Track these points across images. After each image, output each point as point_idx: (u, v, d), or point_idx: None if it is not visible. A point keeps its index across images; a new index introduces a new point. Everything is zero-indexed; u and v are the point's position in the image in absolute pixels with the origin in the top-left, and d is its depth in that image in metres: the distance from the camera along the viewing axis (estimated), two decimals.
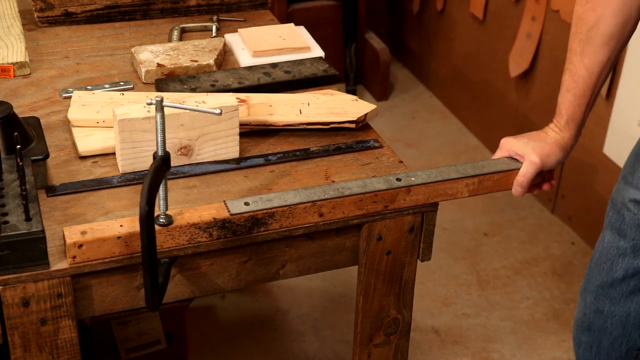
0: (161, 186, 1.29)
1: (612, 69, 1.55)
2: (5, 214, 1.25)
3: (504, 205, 3.00)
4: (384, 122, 3.42)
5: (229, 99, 1.49)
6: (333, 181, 1.47)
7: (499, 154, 1.56)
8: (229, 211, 1.33)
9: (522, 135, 1.56)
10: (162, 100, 1.26)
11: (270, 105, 1.59)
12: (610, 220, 1.68)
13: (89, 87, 1.70)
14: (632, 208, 1.63)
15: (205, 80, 1.70)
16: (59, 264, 1.27)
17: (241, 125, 1.51)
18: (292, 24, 1.95)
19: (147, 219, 1.20)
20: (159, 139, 1.27)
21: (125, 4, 1.96)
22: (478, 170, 1.49)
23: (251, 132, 1.58)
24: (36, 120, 1.48)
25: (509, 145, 1.54)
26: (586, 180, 2.76)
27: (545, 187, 1.59)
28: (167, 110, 1.35)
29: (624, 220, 1.65)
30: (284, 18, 3.30)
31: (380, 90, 3.58)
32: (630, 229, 1.65)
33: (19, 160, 1.27)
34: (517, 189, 1.54)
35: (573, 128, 1.55)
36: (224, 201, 1.35)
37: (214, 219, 1.32)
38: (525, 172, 1.52)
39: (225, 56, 1.85)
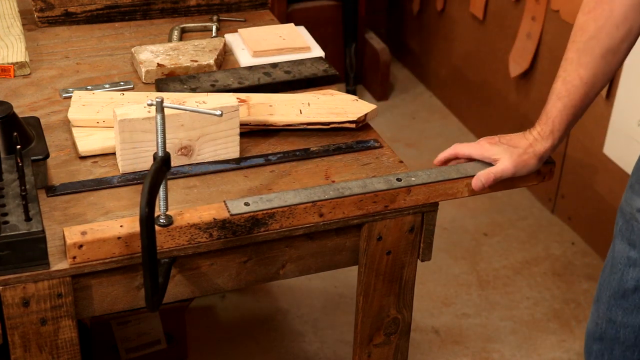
0: (161, 186, 1.29)
1: (607, 83, 1.52)
2: (5, 214, 1.25)
3: (504, 205, 3.00)
4: (384, 122, 3.42)
5: (229, 99, 1.49)
6: (333, 181, 1.47)
7: (472, 149, 1.50)
8: (229, 211, 1.33)
9: (500, 141, 1.51)
10: (162, 101, 1.26)
11: (270, 105, 1.59)
12: (620, 229, 1.66)
13: (89, 87, 1.70)
14: (638, 217, 1.61)
15: (205, 80, 1.71)
16: (59, 264, 1.27)
17: (241, 125, 1.51)
18: (292, 24, 1.95)
19: (148, 220, 1.20)
20: (159, 140, 1.27)
21: (125, 4, 1.96)
22: (478, 170, 1.49)
23: (251, 132, 1.57)
24: (36, 120, 1.48)
25: (484, 150, 1.50)
26: (586, 180, 2.77)
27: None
28: (167, 111, 1.35)
29: (633, 230, 1.62)
30: (284, 18, 3.30)
31: (380, 90, 3.58)
32: (639, 239, 1.63)
33: (19, 160, 1.26)
34: (479, 182, 1.48)
35: (557, 138, 1.50)
36: (224, 201, 1.35)
37: (214, 219, 1.32)
38: (497, 172, 1.48)
39: (225, 56, 1.85)
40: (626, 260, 1.64)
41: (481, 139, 1.52)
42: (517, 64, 2.98)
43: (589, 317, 1.78)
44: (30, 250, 1.23)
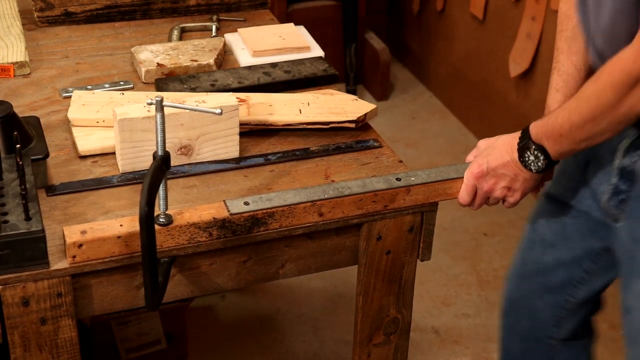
0: (161, 186, 1.29)
1: None
2: (5, 214, 1.25)
3: None
4: (384, 122, 3.42)
5: (229, 98, 1.49)
6: (333, 181, 1.47)
7: (475, 153, 1.51)
8: (228, 211, 1.33)
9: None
10: (162, 100, 1.26)
11: (270, 105, 1.59)
12: (534, 213, 1.74)
13: (89, 87, 1.70)
14: (544, 203, 1.71)
15: (205, 80, 1.71)
16: (59, 264, 1.27)
17: (241, 125, 1.51)
18: (292, 24, 1.95)
19: (147, 219, 1.20)
20: (159, 139, 1.27)
21: (125, 4, 1.96)
22: None
23: (251, 131, 1.58)
24: (36, 119, 1.49)
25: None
26: None
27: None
28: (167, 110, 1.35)
29: (537, 213, 1.74)
30: (284, 18, 3.30)
31: (380, 90, 3.59)
32: (542, 223, 1.72)
33: (18, 159, 1.27)
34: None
35: None
36: (224, 201, 1.35)
37: (214, 218, 1.32)
38: None
39: (225, 56, 1.85)
40: (531, 243, 1.72)
41: (481, 142, 1.52)
42: (517, 64, 2.98)
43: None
44: (30, 250, 1.23)
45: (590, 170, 1.54)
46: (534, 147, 1.40)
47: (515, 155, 1.43)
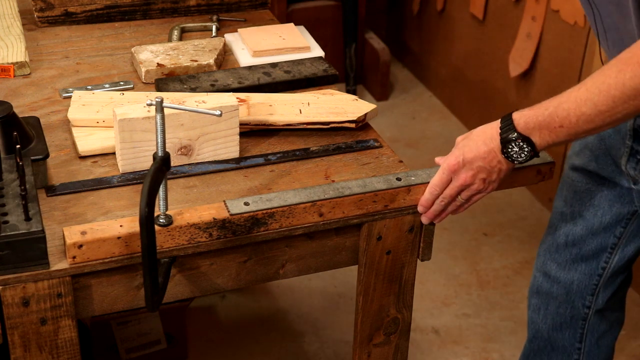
0: (161, 186, 1.29)
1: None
2: (5, 214, 1.25)
3: (504, 205, 3.00)
4: (384, 122, 3.42)
5: (229, 98, 1.49)
6: (333, 181, 1.47)
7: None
8: (228, 211, 1.33)
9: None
10: (162, 101, 1.26)
11: (270, 105, 1.59)
12: (559, 187, 1.73)
13: (89, 87, 1.70)
14: (570, 174, 1.68)
15: (205, 80, 1.71)
16: (59, 264, 1.27)
17: (241, 125, 1.51)
18: (292, 24, 1.95)
19: (147, 220, 1.20)
20: (159, 140, 1.27)
21: (125, 4, 1.96)
22: None
23: (251, 131, 1.58)
24: (36, 120, 1.49)
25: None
26: None
27: None
28: (167, 110, 1.35)
29: (564, 186, 1.71)
30: (284, 18, 3.30)
31: (380, 90, 3.59)
32: (569, 195, 1.70)
33: (18, 159, 1.27)
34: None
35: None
36: (224, 201, 1.35)
37: (214, 219, 1.32)
38: None
39: (225, 56, 1.85)
40: (560, 215, 1.70)
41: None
42: (517, 64, 2.98)
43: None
44: (30, 250, 1.23)
45: (608, 137, 1.56)
46: (520, 138, 1.36)
47: (496, 145, 1.38)
